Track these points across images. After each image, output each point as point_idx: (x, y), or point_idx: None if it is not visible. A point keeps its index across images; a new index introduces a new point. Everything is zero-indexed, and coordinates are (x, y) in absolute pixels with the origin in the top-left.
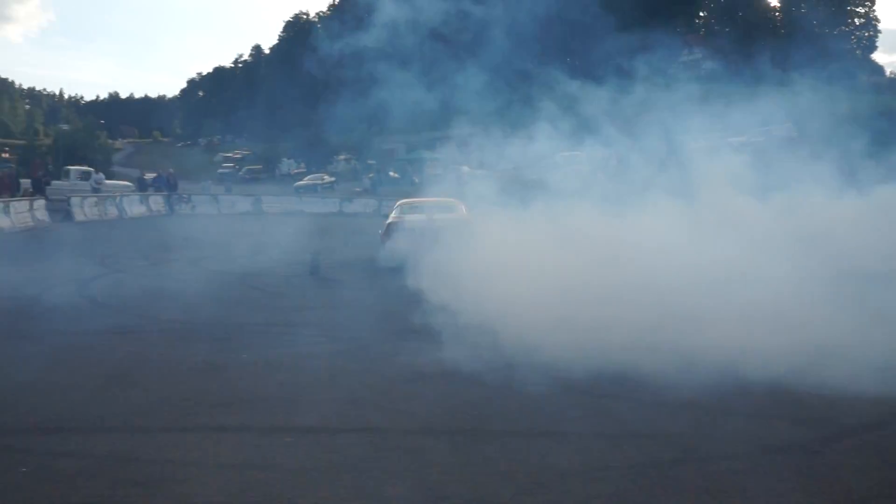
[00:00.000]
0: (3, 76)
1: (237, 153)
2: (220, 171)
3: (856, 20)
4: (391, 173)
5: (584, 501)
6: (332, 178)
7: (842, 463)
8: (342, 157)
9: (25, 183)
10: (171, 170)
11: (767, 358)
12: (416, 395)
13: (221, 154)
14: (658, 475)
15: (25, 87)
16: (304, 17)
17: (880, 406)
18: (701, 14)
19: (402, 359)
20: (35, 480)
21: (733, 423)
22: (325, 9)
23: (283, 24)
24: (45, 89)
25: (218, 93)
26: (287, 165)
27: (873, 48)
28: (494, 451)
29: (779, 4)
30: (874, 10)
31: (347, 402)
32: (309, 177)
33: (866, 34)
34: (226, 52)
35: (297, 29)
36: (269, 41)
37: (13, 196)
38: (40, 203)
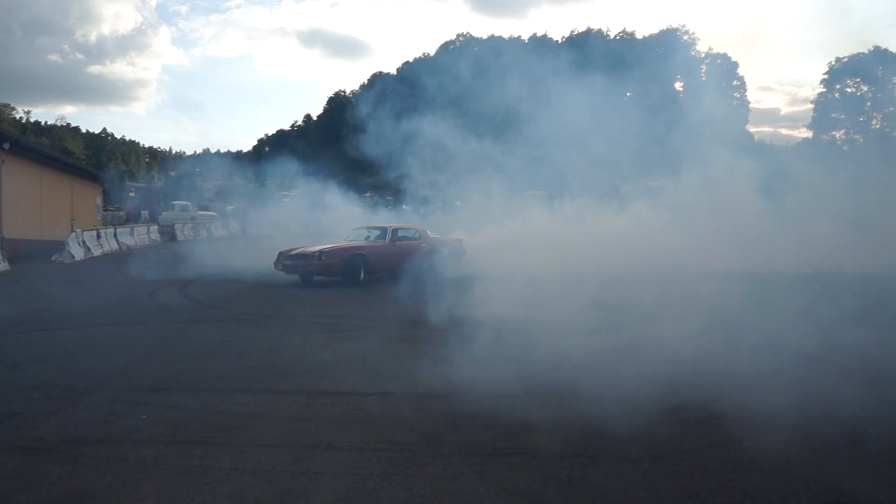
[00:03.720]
0: (132, 139)
1: (293, 191)
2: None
3: (734, 102)
4: (404, 206)
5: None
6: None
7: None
8: (368, 194)
9: (144, 214)
10: (246, 203)
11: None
12: (419, 367)
13: (282, 192)
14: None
15: (146, 146)
16: (343, 93)
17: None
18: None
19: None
20: (151, 424)
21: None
22: (357, 87)
23: (326, 99)
24: (159, 147)
25: (279, 148)
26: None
27: (746, 121)
28: (476, 409)
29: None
30: (747, 95)
31: (371, 372)
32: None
33: (741, 112)
34: (285, 119)
35: (337, 102)
36: (316, 111)
37: (136, 223)
38: (154, 228)
